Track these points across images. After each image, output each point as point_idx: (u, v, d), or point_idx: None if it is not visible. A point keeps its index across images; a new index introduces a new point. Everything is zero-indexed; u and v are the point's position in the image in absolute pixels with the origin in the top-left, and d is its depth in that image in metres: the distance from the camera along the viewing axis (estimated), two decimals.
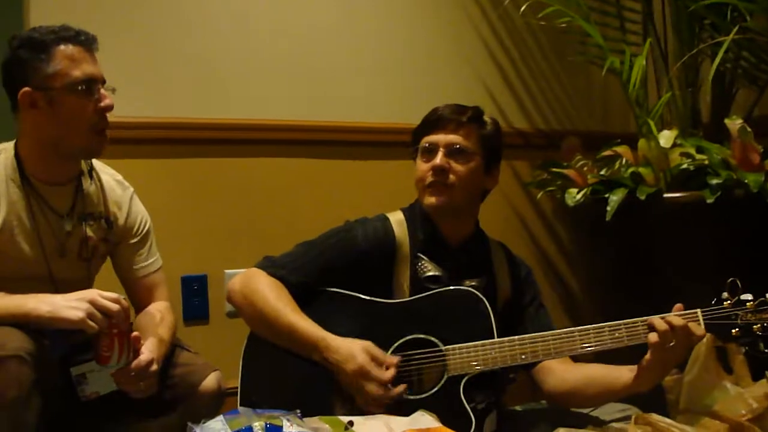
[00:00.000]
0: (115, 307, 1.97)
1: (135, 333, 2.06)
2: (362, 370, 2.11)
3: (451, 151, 2.34)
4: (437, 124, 2.37)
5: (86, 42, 2.15)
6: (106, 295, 1.98)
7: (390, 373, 2.12)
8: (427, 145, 2.37)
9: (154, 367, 2.07)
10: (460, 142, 2.34)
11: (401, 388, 2.13)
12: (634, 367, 2.16)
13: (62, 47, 2.11)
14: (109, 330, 1.96)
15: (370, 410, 2.10)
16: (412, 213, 2.42)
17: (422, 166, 2.37)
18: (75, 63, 2.11)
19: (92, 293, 1.98)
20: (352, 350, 2.14)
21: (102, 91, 2.16)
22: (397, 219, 2.40)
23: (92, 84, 2.14)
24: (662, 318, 2.11)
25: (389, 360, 2.15)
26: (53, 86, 2.10)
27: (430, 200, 2.35)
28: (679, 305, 2.15)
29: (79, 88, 2.11)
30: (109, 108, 2.18)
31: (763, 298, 2.13)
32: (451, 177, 2.33)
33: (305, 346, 2.20)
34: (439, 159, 2.33)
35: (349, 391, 2.15)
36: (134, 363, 2.03)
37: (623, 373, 2.20)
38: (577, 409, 2.40)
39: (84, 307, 1.93)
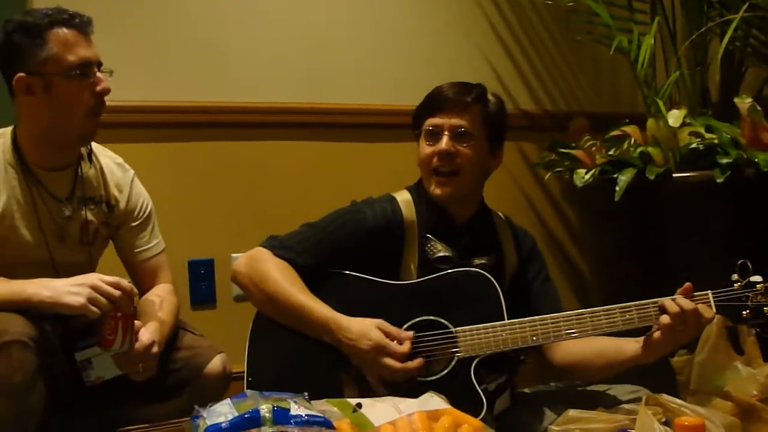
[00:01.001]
0: (116, 292, 1.95)
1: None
2: (378, 345, 2.10)
3: (456, 134, 2.30)
4: (441, 106, 2.33)
5: (81, 25, 2.12)
6: (107, 280, 1.97)
7: (406, 347, 2.12)
8: (431, 128, 2.33)
9: (155, 349, 2.06)
10: (465, 125, 2.30)
11: (418, 362, 2.12)
12: (639, 339, 2.17)
13: (56, 31, 2.08)
14: (113, 313, 1.95)
15: (383, 389, 2.09)
16: (419, 193, 2.39)
17: (426, 150, 2.34)
18: (69, 47, 2.08)
19: (93, 278, 1.97)
20: (365, 328, 2.13)
21: (98, 74, 2.14)
22: (404, 199, 2.38)
23: (87, 68, 2.11)
24: (673, 300, 2.10)
25: (404, 335, 2.14)
26: (48, 71, 2.07)
27: (437, 191, 2.33)
28: (688, 285, 2.14)
29: (74, 72, 2.08)
30: (106, 91, 2.15)
31: None
32: (458, 161, 2.30)
33: (316, 327, 2.19)
34: (444, 143, 2.29)
35: (363, 370, 2.15)
36: (136, 345, 2.02)
37: (629, 346, 2.20)
38: (585, 380, 2.42)
39: (85, 293, 1.92)
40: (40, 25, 2.07)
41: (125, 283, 2.00)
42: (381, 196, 2.41)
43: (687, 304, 2.08)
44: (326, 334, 2.18)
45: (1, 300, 1.92)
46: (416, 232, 2.34)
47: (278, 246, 2.31)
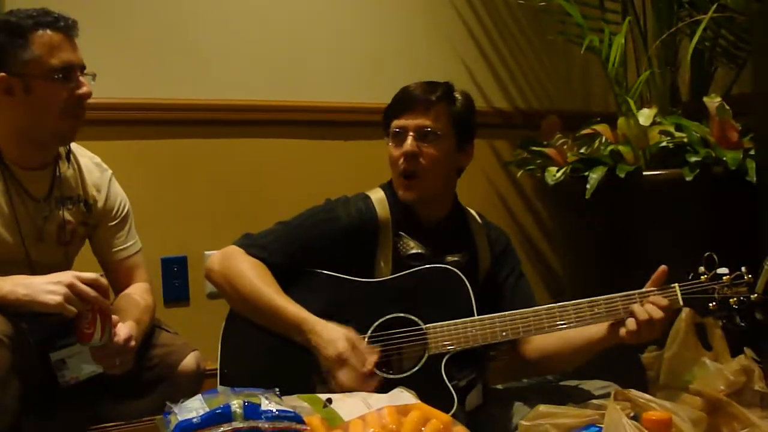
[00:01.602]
0: (92, 292, 1.94)
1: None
2: (341, 357, 2.10)
3: (421, 135, 2.31)
4: (406, 107, 2.33)
5: (66, 28, 2.11)
6: (83, 277, 1.95)
7: (368, 367, 2.10)
8: (397, 129, 2.34)
9: (132, 343, 2.06)
10: (430, 125, 2.30)
11: (375, 383, 2.11)
12: (605, 325, 2.21)
13: (40, 33, 2.06)
14: (91, 307, 1.95)
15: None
16: (392, 191, 2.40)
17: (393, 151, 2.35)
18: (53, 50, 2.07)
19: (69, 276, 1.94)
20: (334, 336, 2.13)
21: (81, 78, 2.13)
22: (378, 197, 2.39)
23: (70, 72, 2.11)
24: (643, 307, 2.12)
25: (369, 353, 2.13)
26: (30, 73, 2.06)
27: (404, 195, 2.34)
28: (663, 267, 2.18)
29: (57, 76, 2.08)
30: (87, 96, 2.14)
31: (738, 272, 2.17)
32: (422, 161, 2.30)
33: (288, 327, 2.19)
34: (409, 145, 2.30)
35: (325, 374, 2.15)
36: (114, 339, 2.01)
37: (597, 331, 2.23)
38: (556, 371, 2.47)
39: (62, 291, 1.90)
40: (24, 26, 2.05)
41: (102, 279, 1.99)
42: (355, 195, 2.42)
43: (656, 313, 2.11)
44: (298, 334, 2.18)
45: None
46: (390, 230, 2.35)
47: (252, 244, 2.32)
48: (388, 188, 2.42)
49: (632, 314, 2.13)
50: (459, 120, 2.36)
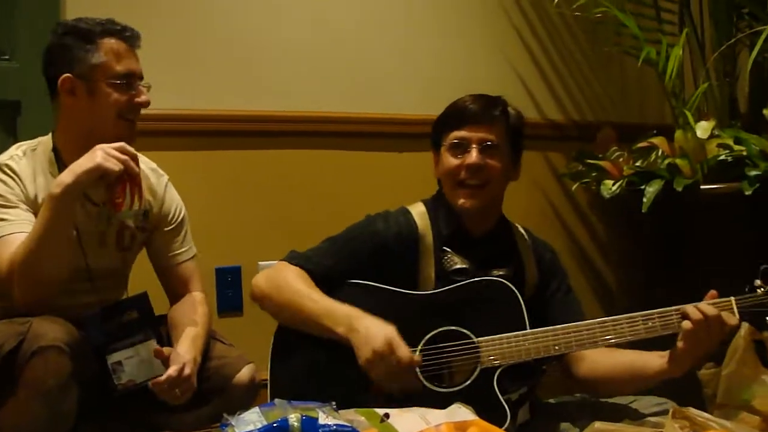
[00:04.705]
0: (122, 155, 2.02)
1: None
2: (376, 354, 2.06)
3: (484, 148, 2.30)
4: (468, 120, 2.32)
5: (130, 38, 2.22)
6: (112, 145, 2.04)
7: (405, 362, 2.07)
8: (457, 141, 2.32)
9: (187, 371, 2.08)
10: (493, 139, 2.30)
11: (413, 382, 2.10)
12: (666, 353, 2.15)
13: (108, 40, 2.17)
14: (120, 176, 2.02)
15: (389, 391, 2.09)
16: (435, 205, 2.39)
17: (452, 161, 2.32)
18: (119, 57, 2.17)
19: (98, 146, 2.03)
20: (371, 333, 2.09)
21: (140, 87, 2.21)
22: (418, 211, 2.37)
23: (132, 80, 2.20)
24: (696, 306, 2.09)
25: (409, 354, 2.10)
26: (95, 77, 2.16)
27: (465, 203, 2.31)
28: (713, 292, 2.14)
29: (119, 82, 2.16)
30: (145, 104, 2.23)
31: None
32: (486, 174, 2.30)
33: (334, 321, 2.16)
34: (474, 157, 2.28)
35: (365, 371, 2.11)
36: (165, 376, 2.05)
37: (654, 359, 2.18)
38: (609, 395, 2.38)
39: (99, 155, 2.00)
40: (94, 32, 2.17)
41: (127, 146, 2.06)
42: (396, 209, 2.41)
43: (710, 310, 2.07)
44: (342, 326, 2.14)
45: (48, 222, 2.01)
46: (431, 244, 2.33)
47: (296, 257, 2.32)
48: (431, 202, 2.41)
49: (685, 316, 2.09)
50: (513, 136, 2.36)
